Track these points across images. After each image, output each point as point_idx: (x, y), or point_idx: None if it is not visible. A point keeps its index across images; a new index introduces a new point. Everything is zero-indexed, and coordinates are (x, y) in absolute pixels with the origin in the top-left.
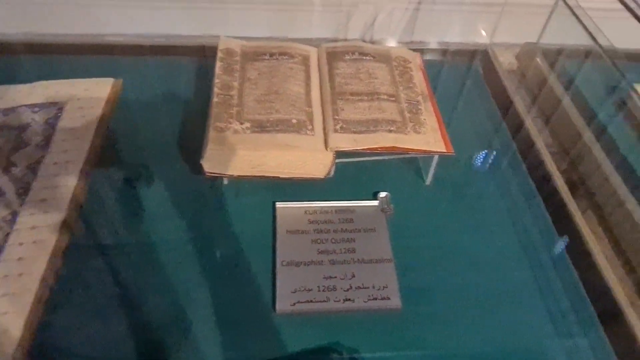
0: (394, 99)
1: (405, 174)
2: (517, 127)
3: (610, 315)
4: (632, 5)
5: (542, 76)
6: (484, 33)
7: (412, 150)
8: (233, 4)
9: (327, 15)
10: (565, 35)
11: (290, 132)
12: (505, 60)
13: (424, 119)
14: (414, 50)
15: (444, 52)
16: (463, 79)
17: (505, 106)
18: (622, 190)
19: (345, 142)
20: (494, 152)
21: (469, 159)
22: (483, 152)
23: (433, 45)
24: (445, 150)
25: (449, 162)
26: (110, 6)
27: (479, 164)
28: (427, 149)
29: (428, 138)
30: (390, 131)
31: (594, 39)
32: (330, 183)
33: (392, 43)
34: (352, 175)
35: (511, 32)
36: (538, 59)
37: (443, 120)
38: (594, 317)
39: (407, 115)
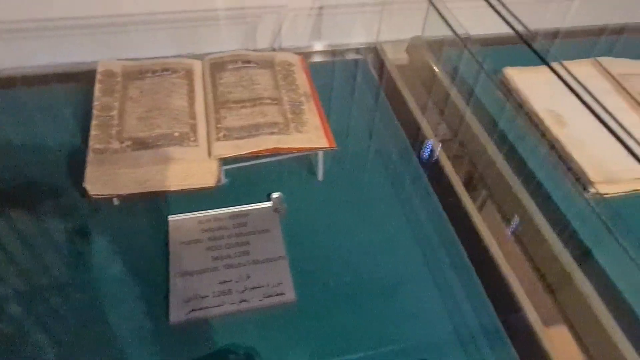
0: (276, 102)
1: (299, 173)
2: (408, 119)
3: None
4: None
5: (429, 67)
6: (376, 31)
7: (295, 149)
8: (135, 25)
9: (233, 27)
10: (445, 25)
11: (173, 145)
12: (400, 56)
13: (307, 118)
14: (305, 53)
15: (337, 52)
16: (354, 77)
17: (396, 99)
18: (507, 173)
19: (228, 149)
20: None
21: (362, 153)
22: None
23: (326, 47)
24: (327, 146)
25: (343, 156)
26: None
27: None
28: (310, 146)
29: (310, 136)
30: (272, 133)
31: (454, 31)
32: (225, 190)
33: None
34: (246, 179)
35: (403, 28)
36: (425, 51)
37: (335, 118)
38: (489, 306)
39: (290, 116)
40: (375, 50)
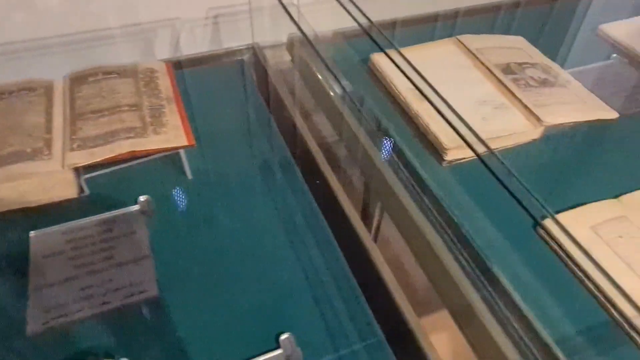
0: (135, 108)
1: (170, 174)
2: (283, 116)
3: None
4: None
5: (305, 62)
6: (255, 32)
7: (153, 150)
8: (28, 52)
9: (130, 44)
10: (322, 20)
11: (24, 161)
12: (283, 54)
13: (167, 120)
14: (189, 59)
15: (216, 57)
16: (234, 79)
17: (273, 97)
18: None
19: (82, 157)
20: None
21: (235, 150)
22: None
23: (207, 51)
24: (186, 144)
25: (216, 155)
26: None
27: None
28: (168, 146)
29: (168, 136)
30: (128, 138)
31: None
32: (94, 199)
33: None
34: (115, 186)
35: (284, 28)
36: (301, 48)
37: (210, 119)
38: (356, 288)
39: (149, 119)
40: (254, 51)
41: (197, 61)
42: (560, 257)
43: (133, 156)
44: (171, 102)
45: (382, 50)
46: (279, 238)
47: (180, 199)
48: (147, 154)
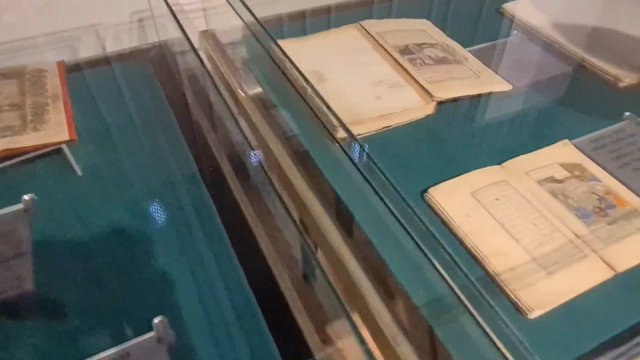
0: (17, 107)
1: (58, 171)
2: (184, 112)
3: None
4: None
5: (211, 55)
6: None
7: (31, 147)
8: None
9: (57, 51)
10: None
11: None
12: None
13: (49, 118)
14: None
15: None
16: (135, 78)
17: (176, 95)
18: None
19: None
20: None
21: (130, 147)
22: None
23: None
24: (67, 139)
25: (111, 152)
26: None
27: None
28: (47, 142)
29: (48, 132)
30: (4, 137)
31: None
32: None
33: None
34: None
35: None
36: (211, 45)
37: (103, 118)
38: (242, 276)
39: (30, 118)
40: (160, 49)
41: (104, 61)
42: (442, 220)
43: (12, 154)
44: (57, 100)
45: (274, 41)
46: (165, 229)
47: (68, 196)
48: (26, 151)
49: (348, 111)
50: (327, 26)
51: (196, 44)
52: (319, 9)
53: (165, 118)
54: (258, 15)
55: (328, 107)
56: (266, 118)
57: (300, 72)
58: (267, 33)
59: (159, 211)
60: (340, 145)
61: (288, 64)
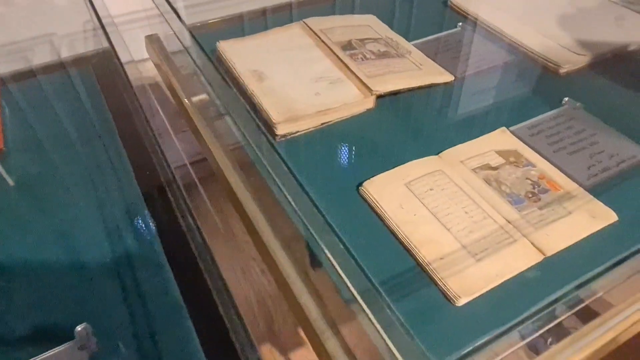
0: None
1: None
2: (126, 123)
3: None
4: None
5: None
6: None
7: None
8: None
9: (11, 64)
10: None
11: None
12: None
13: None
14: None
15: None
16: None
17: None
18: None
19: None
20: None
21: (68, 156)
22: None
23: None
24: None
25: (46, 161)
26: None
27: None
28: None
29: None
30: None
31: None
32: None
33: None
34: None
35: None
36: (156, 50)
37: (37, 127)
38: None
39: None
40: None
41: (48, 69)
42: (375, 212)
43: None
44: None
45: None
46: (97, 236)
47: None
48: None
49: (286, 108)
50: (272, 26)
51: (143, 50)
52: (275, 7)
53: (106, 127)
54: (204, 19)
55: (259, 105)
56: (210, 126)
57: (236, 72)
58: (193, 37)
59: (87, 217)
60: (271, 143)
61: (230, 66)
